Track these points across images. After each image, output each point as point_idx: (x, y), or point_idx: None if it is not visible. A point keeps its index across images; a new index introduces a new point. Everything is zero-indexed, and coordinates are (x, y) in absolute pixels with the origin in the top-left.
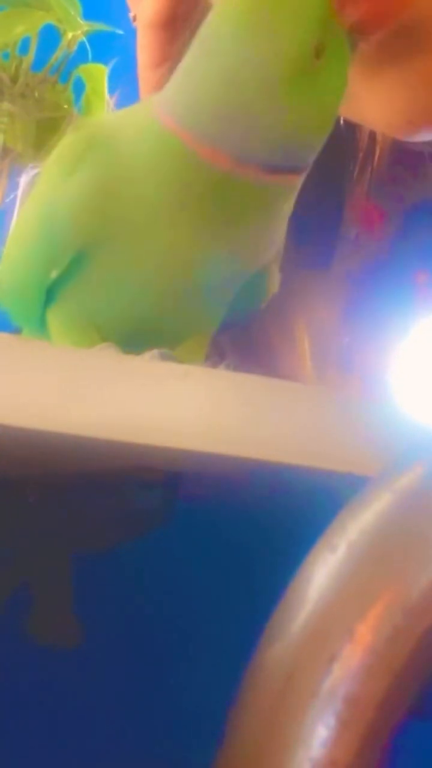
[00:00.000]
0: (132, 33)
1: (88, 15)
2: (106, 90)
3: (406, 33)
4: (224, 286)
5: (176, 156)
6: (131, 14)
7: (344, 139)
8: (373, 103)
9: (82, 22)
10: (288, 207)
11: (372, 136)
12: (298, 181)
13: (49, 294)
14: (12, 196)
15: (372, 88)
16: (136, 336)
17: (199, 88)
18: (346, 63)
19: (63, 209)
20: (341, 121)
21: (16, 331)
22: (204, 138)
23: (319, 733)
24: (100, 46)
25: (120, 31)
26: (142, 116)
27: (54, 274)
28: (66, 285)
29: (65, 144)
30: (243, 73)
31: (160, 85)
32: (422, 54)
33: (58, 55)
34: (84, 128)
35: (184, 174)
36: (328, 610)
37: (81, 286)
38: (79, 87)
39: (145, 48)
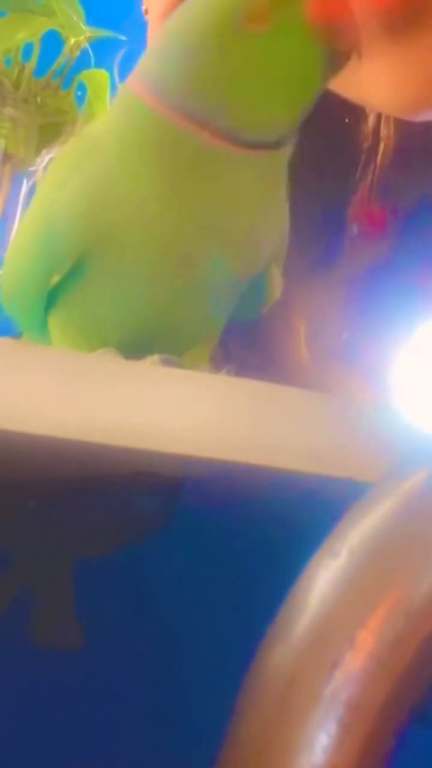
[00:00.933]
0: (134, 38)
1: (90, 20)
2: (108, 95)
3: (412, 14)
4: (224, 283)
5: (143, 119)
6: (143, 7)
7: (348, 138)
8: (379, 83)
9: (84, 27)
10: (271, 189)
11: (375, 135)
12: (251, 154)
13: (51, 299)
14: (14, 202)
15: (377, 69)
16: (138, 342)
17: (161, 48)
18: (301, 37)
19: (62, 217)
20: (345, 120)
21: (16, 335)
22: (159, 94)
23: (320, 738)
24: (103, 52)
25: (123, 37)
26: (121, 91)
27: (55, 280)
28: (67, 290)
29: (63, 151)
30: (193, 31)
31: None
32: (428, 34)
33: (60, 60)
34: (78, 136)
35: (152, 137)
36: (330, 615)
37: (82, 292)
38: (81, 93)
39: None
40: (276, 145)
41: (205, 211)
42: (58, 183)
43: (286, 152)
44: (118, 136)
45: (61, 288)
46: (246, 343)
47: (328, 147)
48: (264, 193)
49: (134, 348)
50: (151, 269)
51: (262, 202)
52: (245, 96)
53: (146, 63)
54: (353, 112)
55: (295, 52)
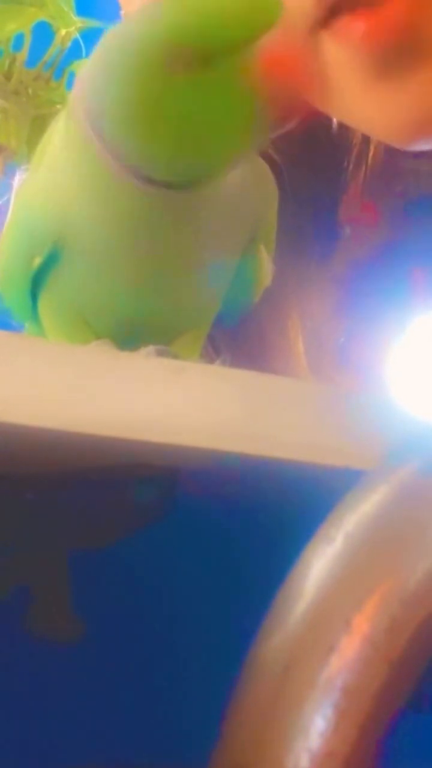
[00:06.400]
0: None
1: (81, 11)
2: None
3: (406, 43)
4: (207, 267)
5: (84, 153)
6: (122, 13)
7: (338, 135)
8: (373, 111)
9: (75, 18)
10: (239, 176)
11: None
12: (188, 196)
13: (38, 285)
14: (6, 195)
15: (372, 97)
16: (128, 331)
17: (92, 68)
18: (231, 92)
19: (37, 200)
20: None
21: (16, 329)
22: (93, 128)
23: (316, 724)
24: (94, 43)
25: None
26: (70, 115)
27: (37, 262)
28: (50, 276)
29: (43, 139)
30: (116, 61)
31: None
32: (423, 64)
33: (51, 51)
34: (56, 119)
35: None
36: (326, 601)
37: (64, 276)
38: (72, 84)
39: None
40: (195, 186)
41: (186, 211)
42: (34, 166)
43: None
44: (62, 156)
45: (45, 274)
46: (237, 343)
47: (318, 146)
48: (240, 183)
49: (126, 339)
50: (128, 260)
51: (241, 189)
52: (162, 140)
53: (83, 75)
54: None
55: (221, 104)
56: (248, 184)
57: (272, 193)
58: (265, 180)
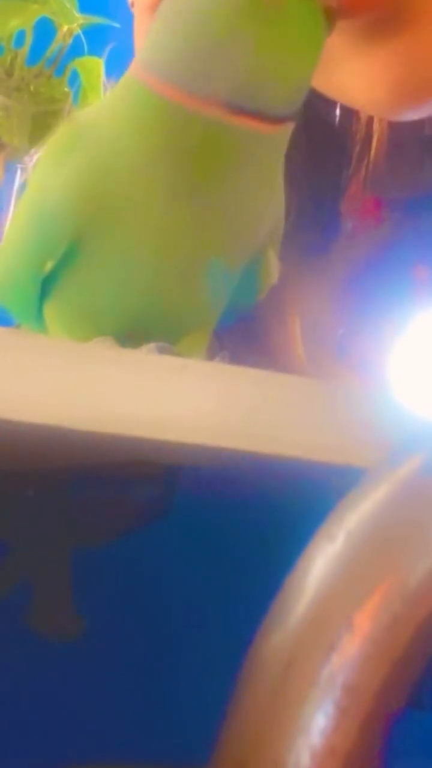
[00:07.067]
0: (128, 25)
1: (83, 8)
2: (102, 83)
3: (390, 12)
4: (221, 268)
5: (149, 104)
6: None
7: (341, 130)
8: (359, 83)
9: (77, 14)
10: (274, 166)
11: (369, 127)
12: (272, 130)
13: (46, 287)
14: (7, 191)
15: (357, 68)
16: (134, 330)
17: (167, 32)
18: (314, 14)
19: (55, 200)
20: (337, 111)
21: (13, 325)
22: (169, 79)
23: (318, 721)
24: (96, 39)
25: (116, 24)
26: (123, 80)
27: (49, 266)
28: (61, 278)
29: (56, 136)
30: (202, 9)
31: None
32: (406, 33)
33: (53, 48)
34: (74, 118)
35: (159, 121)
36: (327, 599)
37: (76, 279)
38: (75, 80)
39: (142, 33)
40: (294, 116)
41: (211, 198)
42: (50, 168)
43: (292, 127)
44: (117, 121)
45: (56, 276)
46: (237, 339)
47: (321, 141)
48: (270, 177)
49: (130, 335)
50: (146, 256)
51: (267, 186)
52: (268, 70)
53: (151, 51)
54: (346, 105)
55: (305, 16)
56: (275, 188)
57: (283, 207)
58: (282, 196)
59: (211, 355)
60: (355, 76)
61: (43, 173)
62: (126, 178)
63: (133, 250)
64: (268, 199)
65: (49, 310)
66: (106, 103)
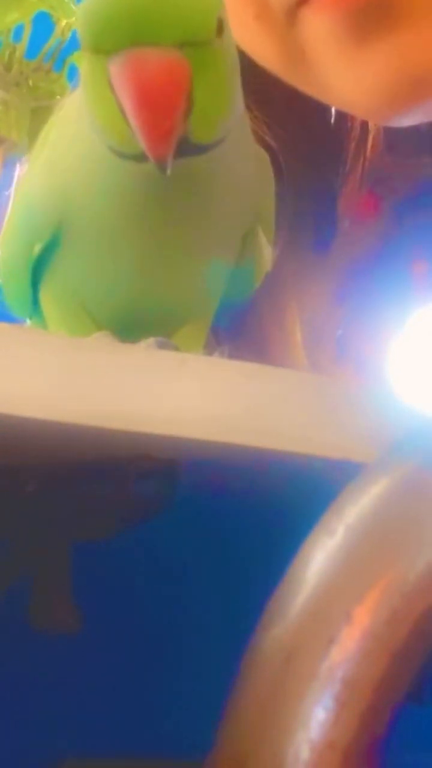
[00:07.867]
0: None
1: (81, 1)
2: None
3: (380, 14)
4: (208, 258)
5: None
6: None
7: (336, 129)
8: (352, 88)
9: (75, 8)
10: (232, 159)
11: (364, 124)
12: (209, 155)
13: (39, 276)
14: (7, 186)
15: (348, 73)
16: (129, 321)
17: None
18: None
19: (36, 188)
20: (332, 110)
21: (18, 321)
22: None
23: (317, 714)
24: None
25: None
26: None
27: (37, 249)
28: (51, 263)
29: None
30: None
31: None
32: (397, 36)
33: (51, 42)
34: (58, 107)
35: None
36: (327, 593)
37: (65, 264)
38: (73, 75)
39: None
40: (230, 129)
41: (182, 200)
42: (34, 155)
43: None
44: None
45: (46, 262)
46: (236, 334)
47: (317, 140)
48: (231, 170)
49: (124, 327)
50: (125, 244)
51: (233, 174)
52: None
53: None
54: None
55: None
56: (249, 166)
57: (270, 179)
58: (263, 165)
59: (209, 353)
60: (347, 83)
61: (30, 160)
62: (95, 169)
63: (112, 239)
64: (248, 178)
65: (44, 300)
66: (79, 92)
